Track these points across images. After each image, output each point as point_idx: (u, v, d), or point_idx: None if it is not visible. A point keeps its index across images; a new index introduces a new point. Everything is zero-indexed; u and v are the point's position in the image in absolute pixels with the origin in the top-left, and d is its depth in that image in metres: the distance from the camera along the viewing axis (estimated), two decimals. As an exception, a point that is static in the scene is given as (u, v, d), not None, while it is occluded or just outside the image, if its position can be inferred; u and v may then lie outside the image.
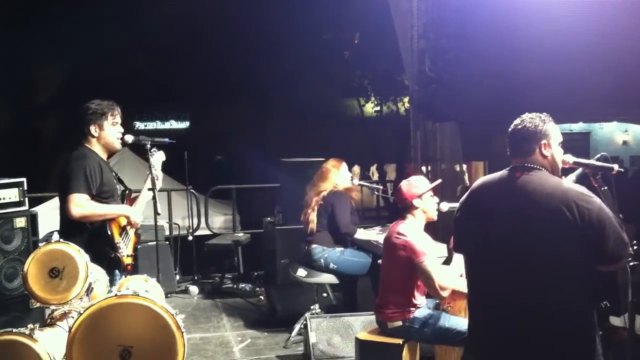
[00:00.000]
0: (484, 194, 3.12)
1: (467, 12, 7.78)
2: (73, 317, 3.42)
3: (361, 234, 5.93)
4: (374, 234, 5.97)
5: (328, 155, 6.30)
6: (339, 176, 5.99)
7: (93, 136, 4.27)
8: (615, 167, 3.08)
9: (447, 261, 4.79)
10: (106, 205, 4.21)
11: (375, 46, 18.36)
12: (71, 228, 4.09)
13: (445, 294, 4.12)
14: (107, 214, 4.17)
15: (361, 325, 5.07)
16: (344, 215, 5.85)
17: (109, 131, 4.30)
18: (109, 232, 4.14)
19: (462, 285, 3.97)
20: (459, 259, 4.06)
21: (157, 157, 4.58)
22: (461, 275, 4.06)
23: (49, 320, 3.83)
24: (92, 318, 3.21)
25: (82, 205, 4.05)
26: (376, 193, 6.83)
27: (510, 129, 3.08)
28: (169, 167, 4.64)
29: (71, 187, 4.06)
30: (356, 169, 23.78)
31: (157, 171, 4.54)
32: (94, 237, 4.11)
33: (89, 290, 3.64)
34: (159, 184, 4.53)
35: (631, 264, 2.92)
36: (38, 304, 3.68)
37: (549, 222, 2.80)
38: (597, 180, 3.06)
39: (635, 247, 2.90)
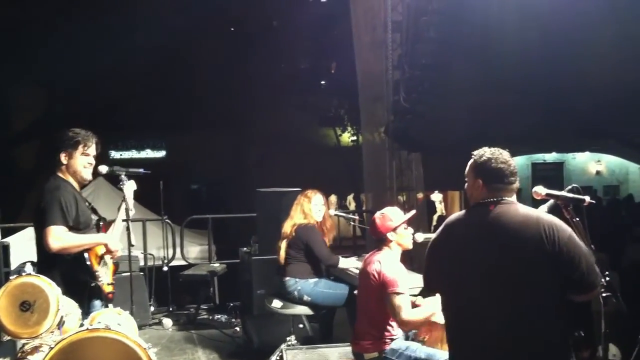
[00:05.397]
0: (457, 230, 3.14)
1: (442, 43, 7.89)
2: (44, 351, 3.36)
3: (343, 262, 5.90)
4: (354, 262, 5.93)
5: (304, 185, 6.26)
6: (311, 208, 5.93)
7: (62, 164, 4.22)
8: (587, 199, 3.12)
9: (423, 292, 4.78)
10: (84, 236, 4.17)
11: (352, 76, 18.50)
12: (50, 260, 4.03)
13: (405, 328, 4.13)
14: (86, 244, 4.13)
15: (337, 356, 5.03)
16: (322, 247, 5.80)
17: (77, 161, 4.23)
18: (88, 262, 4.10)
19: (434, 317, 3.98)
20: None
21: (128, 186, 4.49)
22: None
23: (19, 354, 3.76)
24: (63, 352, 3.16)
25: (60, 237, 4.01)
26: (352, 223, 6.80)
27: (484, 160, 3.09)
28: (144, 197, 4.60)
29: (48, 220, 4.01)
30: (333, 198, 23.81)
31: (129, 200, 4.47)
32: (73, 268, 4.06)
33: (60, 324, 3.59)
34: (131, 214, 4.48)
35: (604, 295, 2.94)
36: (9, 338, 3.62)
37: (526, 249, 2.85)
38: (569, 211, 3.10)
39: (607, 278, 2.93)
